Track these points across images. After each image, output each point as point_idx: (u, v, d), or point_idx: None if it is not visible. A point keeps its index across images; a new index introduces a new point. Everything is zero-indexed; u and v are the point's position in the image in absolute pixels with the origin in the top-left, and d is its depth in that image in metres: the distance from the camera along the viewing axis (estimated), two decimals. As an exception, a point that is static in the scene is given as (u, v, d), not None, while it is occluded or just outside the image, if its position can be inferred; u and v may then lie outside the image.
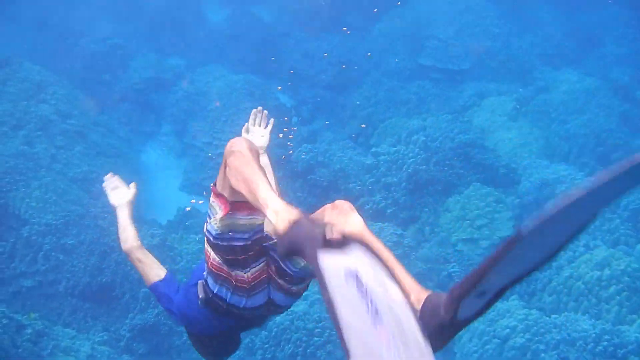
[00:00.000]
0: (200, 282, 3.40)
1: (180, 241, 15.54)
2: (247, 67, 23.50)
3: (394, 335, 1.90)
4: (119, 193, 4.59)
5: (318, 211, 3.03)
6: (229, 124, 20.68)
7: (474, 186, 16.53)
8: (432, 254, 15.52)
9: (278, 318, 13.92)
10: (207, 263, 3.23)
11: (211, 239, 3.08)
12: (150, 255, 4.37)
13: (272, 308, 3.37)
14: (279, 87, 22.57)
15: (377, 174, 17.45)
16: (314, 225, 2.39)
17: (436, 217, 16.48)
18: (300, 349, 13.25)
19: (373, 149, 18.35)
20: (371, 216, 16.75)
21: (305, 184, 17.86)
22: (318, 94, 22.46)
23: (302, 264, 3.06)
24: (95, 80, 22.64)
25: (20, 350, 11.03)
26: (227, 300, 3.21)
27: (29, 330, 11.62)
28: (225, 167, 2.97)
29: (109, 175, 4.67)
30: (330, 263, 2.18)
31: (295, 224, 2.46)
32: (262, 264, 3.18)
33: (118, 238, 4.42)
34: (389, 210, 16.69)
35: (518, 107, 20.20)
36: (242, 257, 3.09)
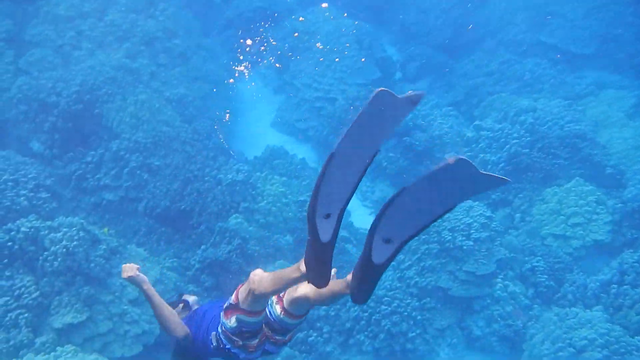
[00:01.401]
0: (214, 334, 4.29)
1: (264, 181, 15.28)
2: (359, 12, 22.64)
3: None
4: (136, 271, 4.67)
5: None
6: (331, 69, 20.12)
7: (576, 181, 15.49)
8: (519, 244, 14.76)
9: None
10: (222, 328, 4.17)
11: (229, 331, 4.11)
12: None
13: (266, 355, 4.37)
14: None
15: (476, 149, 16.64)
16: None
17: (530, 205, 15.58)
18: (365, 314, 12.90)
19: (476, 122, 17.46)
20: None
21: (399, 145, 17.23)
22: (427, 53, 21.52)
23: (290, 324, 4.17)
24: (206, 3, 22.36)
25: (92, 265, 11.07)
26: (239, 356, 4.21)
27: (104, 246, 11.64)
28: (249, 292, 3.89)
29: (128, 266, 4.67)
30: None
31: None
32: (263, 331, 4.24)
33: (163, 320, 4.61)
34: (481, 189, 15.91)
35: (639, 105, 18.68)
36: (254, 333, 4.13)
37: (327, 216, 3.09)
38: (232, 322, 4.03)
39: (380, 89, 2.77)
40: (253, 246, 13.58)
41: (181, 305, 4.92)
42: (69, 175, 14.74)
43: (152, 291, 4.52)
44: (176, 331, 4.47)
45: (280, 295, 4.10)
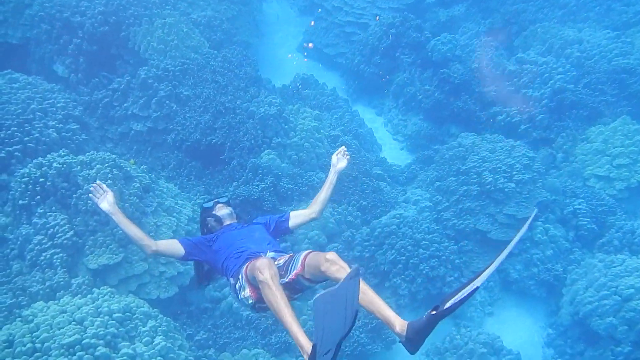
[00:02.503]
0: (231, 279, 4.53)
1: (296, 114, 14.64)
2: None
3: None
4: (107, 199, 4.80)
5: (315, 257, 4.10)
6: (366, -8, 19.08)
7: (623, 119, 14.83)
8: (560, 185, 14.26)
9: (384, 219, 13.20)
10: (239, 293, 4.41)
11: (248, 306, 4.36)
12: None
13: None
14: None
15: (517, 84, 15.88)
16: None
17: (573, 144, 15.00)
18: (403, 258, 12.55)
19: (519, 54, 16.60)
20: (502, 128, 15.42)
21: (436, 76, 16.46)
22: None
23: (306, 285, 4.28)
24: None
25: (126, 204, 10.65)
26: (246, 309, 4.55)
27: (137, 184, 11.20)
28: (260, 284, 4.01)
29: (96, 185, 4.80)
30: None
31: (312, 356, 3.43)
32: None
33: (140, 245, 4.82)
34: (522, 127, 15.29)
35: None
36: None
37: (328, 351, 3.48)
38: (247, 292, 4.31)
39: (315, 297, 3.10)
40: (286, 184, 13.11)
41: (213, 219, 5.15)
42: (96, 103, 14.16)
43: (122, 218, 4.84)
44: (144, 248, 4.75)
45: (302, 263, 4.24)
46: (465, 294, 3.59)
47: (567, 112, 15.26)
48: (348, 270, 3.79)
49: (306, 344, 3.75)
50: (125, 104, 14.06)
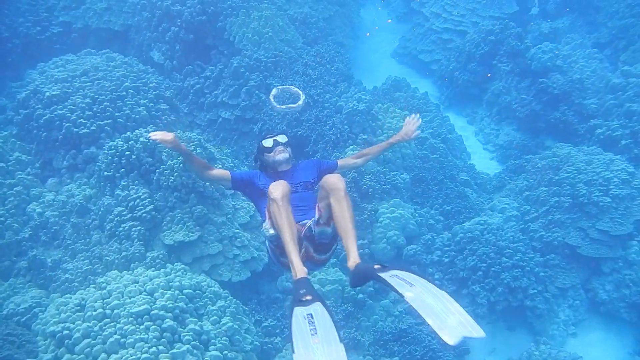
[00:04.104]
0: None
1: (385, 113, 14.38)
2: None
3: (321, 340, 3.66)
4: (167, 135, 4.81)
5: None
6: (465, -2, 18.68)
7: None
8: (662, 205, 13.31)
9: (467, 224, 12.72)
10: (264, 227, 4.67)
11: (267, 239, 4.69)
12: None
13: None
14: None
15: (622, 97, 15.01)
16: (297, 291, 4.05)
17: (681, 163, 14.02)
18: (484, 265, 12.01)
19: (625, 67, 15.71)
20: (600, 142, 14.61)
21: (534, 86, 15.82)
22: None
23: (329, 232, 4.53)
24: None
25: (207, 184, 10.63)
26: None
27: (219, 165, 11.23)
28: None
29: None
30: (298, 312, 3.86)
31: (296, 281, 4.14)
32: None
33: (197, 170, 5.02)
34: (623, 141, 14.41)
35: None
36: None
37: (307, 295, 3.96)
38: (267, 224, 4.55)
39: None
40: (368, 181, 12.85)
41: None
42: (187, 89, 14.42)
43: (185, 148, 4.96)
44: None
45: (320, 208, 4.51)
46: (397, 288, 3.92)
47: (675, 130, 14.30)
48: (343, 204, 4.30)
49: (300, 270, 4.17)
50: (215, 92, 14.22)
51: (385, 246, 12.12)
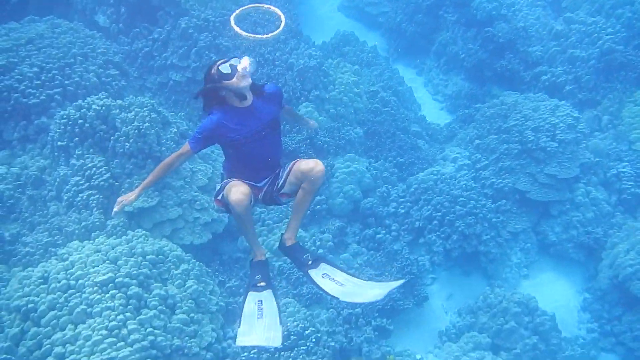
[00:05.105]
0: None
1: (335, 68, 14.45)
2: None
3: (265, 322, 4.39)
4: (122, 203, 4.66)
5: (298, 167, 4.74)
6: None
7: (673, 81, 14.32)
8: (604, 147, 13.83)
9: (421, 175, 13.04)
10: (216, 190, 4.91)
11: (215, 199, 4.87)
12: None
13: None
14: None
15: (564, 44, 15.39)
16: (253, 276, 4.73)
17: (619, 107, 14.50)
18: (439, 214, 12.37)
19: (567, 14, 16.03)
20: (546, 88, 15.00)
21: (480, 35, 16.05)
22: None
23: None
24: None
25: (163, 148, 10.67)
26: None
27: (174, 129, 11.22)
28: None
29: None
30: (250, 298, 4.55)
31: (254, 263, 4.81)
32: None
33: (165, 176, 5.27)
34: (567, 87, 14.85)
35: None
36: None
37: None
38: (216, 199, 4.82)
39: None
40: (322, 137, 13.01)
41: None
42: (136, 52, 14.18)
43: (145, 185, 4.66)
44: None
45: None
46: (323, 287, 4.61)
47: (615, 74, 14.73)
48: (311, 196, 4.77)
49: (259, 252, 4.80)
50: (164, 54, 14.04)
51: (343, 200, 12.34)
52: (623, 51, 14.77)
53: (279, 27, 4.90)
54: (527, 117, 13.60)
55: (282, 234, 4.95)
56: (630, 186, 13.20)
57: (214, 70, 4.47)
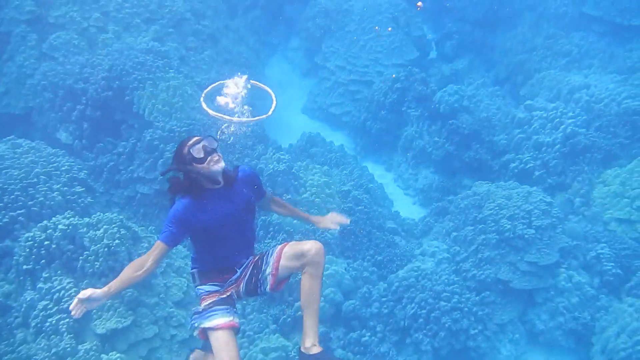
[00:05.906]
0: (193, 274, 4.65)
1: (305, 170, 14.36)
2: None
3: None
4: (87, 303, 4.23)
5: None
6: (366, 49, 19.15)
7: (639, 161, 14.50)
8: (581, 230, 13.79)
9: (401, 273, 12.75)
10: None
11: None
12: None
13: None
14: (419, 3, 20.26)
15: (528, 130, 15.61)
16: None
17: (590, 188, 14.59)
18: (424, 312, 12.00)
19: (527, 102, 16.37)
20: (515, 175, 15.09)
21: (444, 128, 16.23)
22: (465, 30, 20.41)
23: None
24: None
25: (134, 264, 10.25)
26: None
27: (145, 244, 10.85)
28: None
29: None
30: None
31: None
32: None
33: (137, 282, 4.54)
34: (537, 173, 14.94)
35: None
36: None
37: None
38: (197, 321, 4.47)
39: None
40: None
41: None
42: (101, 168, 13.93)
43: (113, 287, 4.21)
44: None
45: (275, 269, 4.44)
46: None
47: (581, 156, 14.90)
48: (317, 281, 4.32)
49: None
50: (130, 167, 13.81)
51: (324, 304, 11.92)
52: (586, 134, 15.03)
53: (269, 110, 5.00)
54: (501, 205, 13.55)
55: (299, 347, 4.49)
56: (610, 267, 13.06)
57: (185, 151, 4.29)
